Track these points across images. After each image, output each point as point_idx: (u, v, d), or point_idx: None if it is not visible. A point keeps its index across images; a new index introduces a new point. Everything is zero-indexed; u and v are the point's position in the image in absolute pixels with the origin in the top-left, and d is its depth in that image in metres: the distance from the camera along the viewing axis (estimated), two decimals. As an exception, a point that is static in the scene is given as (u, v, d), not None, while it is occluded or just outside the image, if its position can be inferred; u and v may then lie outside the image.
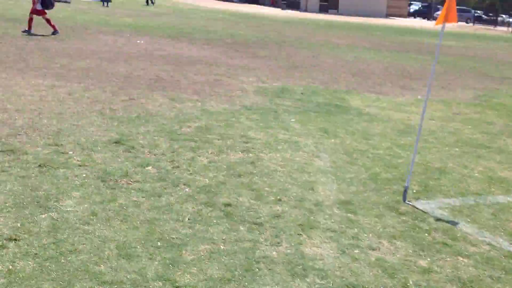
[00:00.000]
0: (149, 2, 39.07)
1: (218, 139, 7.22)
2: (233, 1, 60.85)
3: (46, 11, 15.63)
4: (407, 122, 9.55)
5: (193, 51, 16.11)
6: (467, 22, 61.83)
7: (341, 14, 56.67)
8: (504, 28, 56.24)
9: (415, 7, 69.12)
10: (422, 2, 73.96)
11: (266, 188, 5.62)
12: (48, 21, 15.60)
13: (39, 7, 15.42)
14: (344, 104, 10.69)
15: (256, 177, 5.94)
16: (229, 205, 5.07)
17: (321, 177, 6.16)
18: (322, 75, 14.31)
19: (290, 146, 7.31)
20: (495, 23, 59.76)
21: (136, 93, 9.44)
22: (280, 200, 5.34)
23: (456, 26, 53.47)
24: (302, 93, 11.34)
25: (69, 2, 30.74)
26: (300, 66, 15.67)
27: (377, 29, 38.40)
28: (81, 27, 18.40)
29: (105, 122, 7.42)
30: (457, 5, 5.67)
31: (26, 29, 15.57)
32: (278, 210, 5.10)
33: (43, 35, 15.76)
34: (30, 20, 15.60)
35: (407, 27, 44.56)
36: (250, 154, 6.74)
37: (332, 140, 7.84)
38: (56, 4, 28.07)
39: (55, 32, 15.63)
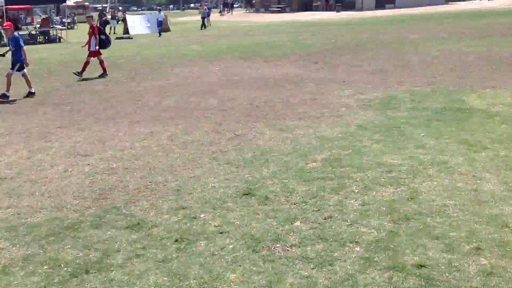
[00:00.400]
0: (204, 26, 38.68)
1: (355, 172, 6.17)
2: (285, 11, 59.99)
3: (101, 51, 14.95)
4: (554, 117, 8.18)
5: (272, 70, 15.19)
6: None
7: (398, 7, 54.50)
8: None
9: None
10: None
11: (452, 233, 4.50)
12: (102, 62, 14.94)
13: (93, 47, 14.74)
14: (464, 106, 9.41)
15: (429, 218, 4.84)
16: (421, 266, 3.99)
17: (506, 206, 4.97)
18: (418, 75, 13.03)
19: (441, 169, 6.16)
20: None
21: (238, 127, 8.55)
22: (479, 249, 4.20)
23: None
24: (412, 100, 10.13)
25: (132, 38, 30.73)
26: (389, 69, 14.43)
27: (444, 17, 36.35)
28: (154, 62, 17.92)
29: (223, 168, 6.53)
30: None
31: (79, 71, 14.81)
32: (486, 264, 3.97)
33: (110, 78, 15.27)
34: (87, 63, 14.94)
35: (473, 10, 42.09)
36: (402, 187, 5.64)
37: (483, 154, 6.63)
38: (120, 41, 28.00)
39: (104, 74, 14.84)
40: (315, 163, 6.57)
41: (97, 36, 14.83)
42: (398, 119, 8.67)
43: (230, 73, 14.98)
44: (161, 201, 5.54)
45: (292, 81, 13.16)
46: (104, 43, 15.18)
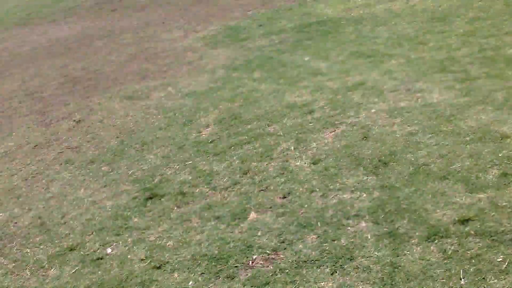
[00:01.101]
0: None
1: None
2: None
3: None
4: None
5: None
6: None
7: None
8: None
9: None
10: None
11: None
12: None
13: None
14: (321, 18, 8.18)
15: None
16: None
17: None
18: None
19: (370, 96, 4.78)
20: None
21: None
22: None
23: None
24: (260, 25, 8.61)
25: None
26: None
27: None
28: None
29: None
30: None
31: None
32: None
33: None
34: None
35: None
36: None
37: (393, 61, 5.47)
38: None
39: None
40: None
41: None
42: (264, 49, 7.11)
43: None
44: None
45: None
46: None
